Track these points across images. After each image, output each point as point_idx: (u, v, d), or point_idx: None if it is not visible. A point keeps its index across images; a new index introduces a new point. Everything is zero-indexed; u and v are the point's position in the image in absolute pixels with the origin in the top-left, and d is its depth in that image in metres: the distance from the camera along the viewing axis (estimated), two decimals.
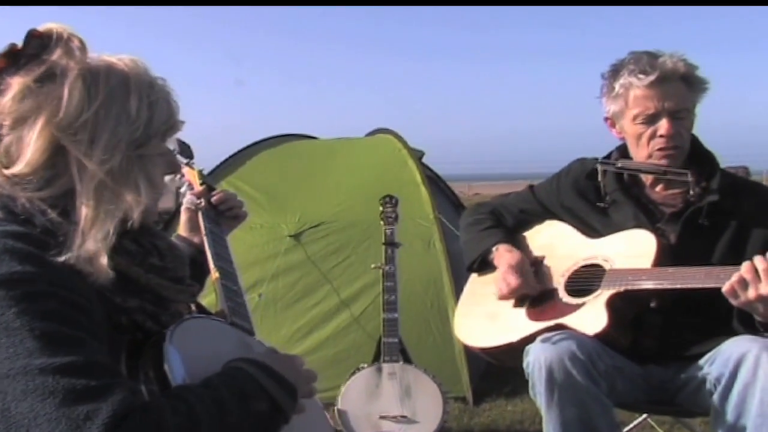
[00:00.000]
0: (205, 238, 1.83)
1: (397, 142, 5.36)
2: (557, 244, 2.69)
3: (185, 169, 2.03)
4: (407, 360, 3.42)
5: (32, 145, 1.36)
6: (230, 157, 5.47)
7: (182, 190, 2.04)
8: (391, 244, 3.53)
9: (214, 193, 2.01)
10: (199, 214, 1.91)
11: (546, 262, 2.68)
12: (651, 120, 2.47)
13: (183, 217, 2.01)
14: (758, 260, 2.09)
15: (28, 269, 1.25)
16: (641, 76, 2.43)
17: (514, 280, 2.53)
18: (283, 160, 5.48)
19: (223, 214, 1.99)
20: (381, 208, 3.62)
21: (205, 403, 1.28)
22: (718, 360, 2.23)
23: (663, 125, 2.45)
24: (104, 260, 1.33)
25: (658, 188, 2.57)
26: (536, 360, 2.28)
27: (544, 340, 2.32)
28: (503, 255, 2.63)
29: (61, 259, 1.29)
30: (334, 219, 4.70)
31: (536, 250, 2.73)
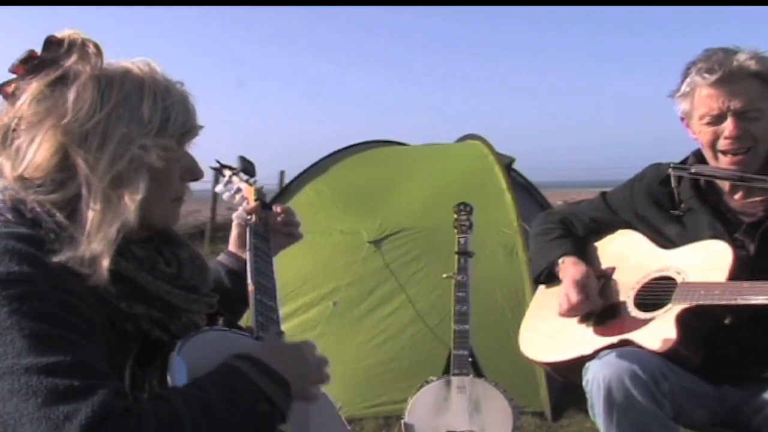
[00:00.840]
0: (248, 253, 1.81)
1: (484, 148, 5.27)
2: (629, 254, 2.55)
3: (243, 185, 2.05)
4: (478, 373, 3.31)
5: (42, 148, 1.37)
6: (316, 162, 5.49)
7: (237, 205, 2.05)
8: (464, 253, 3.42)
9: (275, 207, 2.01)
10: (247, 230, 1.89)
11: (616, 274, 2.54)
12: (717, 120, 2.30)
13: (233, 232, 2.00)
14: None
15: (25, 270, 1.27)
16: (706, 75, 2.28)
17: (574, 297, 2.42)
18: (368, 166, 5.47)
19: (277, 231, 1.98)
20: (455, 216, 3.52)
21: (190, 403, 1.26)
22: None
23: (728, 126, 2.28)
24: (106, 262, 1.33)
25: (738, 196, 2.39)
26: (595, 378, 2.16)
27: (603, 358, 2.20)
28: (568, 268, 2.52)
29: (63, 259, 1.30)
30: (414, 226, 4.64)
31: (607, 261, 2.59)
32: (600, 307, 2.45)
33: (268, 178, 4.98)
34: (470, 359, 3.26)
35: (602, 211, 2.67)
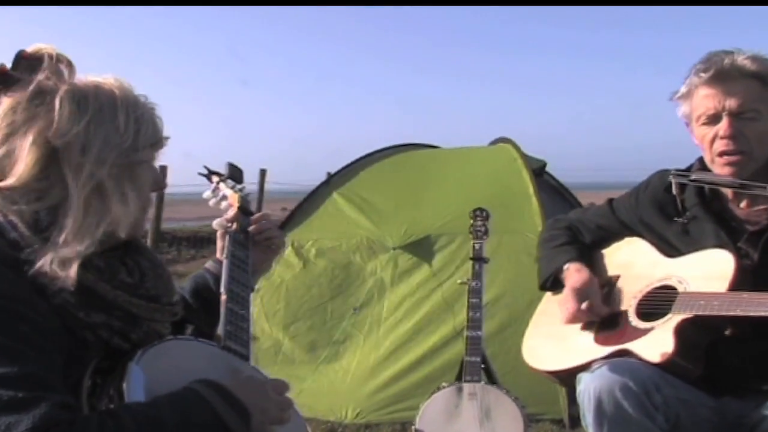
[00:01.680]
0: (224, 261, 1.82)
1: (514, 152, 5.22)
2: (634, 262, 2.51)
3: (229, 192, 2.06)
4: (491, 380, 3.28)
5: (24, 159, 1.41)
6: (345, 167, 5.49)
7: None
8: (478, 259, 3.40)
9: (253, 218, 2.00)
10: (226, 237, 1.90)
11: (620, 282, 2.51)
12: (713, 120, 2.25)
13: (219, 242, 2.00)
14: None
15: None
16: (702, 74, 2.24)
17: (573, 305, 2.40)
18: (397, 171, 5.45)
19: (257, 243, 1.98)
20: (471, 221, 3.50)
21: (139, 421, 1.27)
22: None
23: (722, 126, 2.22)
24: (74, 268, 1.36)
25: (743, 204, 2.33)
26: (586, 389, 2.14)
27: (596, 368, 2.17)
28: (572, 275, 2.49)
29: (22, 271, 1.33)
30: (440, 232, 4.62)
31: (613, 269, 2.56)
32: (603, 314, 2.42)
33: (314, 180, 5.02)
34: (482, 366, 3.24)
35: (609, 218, 2.63)
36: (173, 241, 12.21)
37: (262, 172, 13.88)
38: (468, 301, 3.32)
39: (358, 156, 5.52)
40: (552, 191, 5.77)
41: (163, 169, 2.12)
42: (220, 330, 1.64)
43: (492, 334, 3.76)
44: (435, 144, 6.34)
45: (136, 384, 1.38)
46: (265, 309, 4.64)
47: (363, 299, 4.43)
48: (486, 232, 3.47)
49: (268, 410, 1.47)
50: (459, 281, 3.43)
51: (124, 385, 1.37)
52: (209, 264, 1.98)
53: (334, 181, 5.36)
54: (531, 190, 4.77)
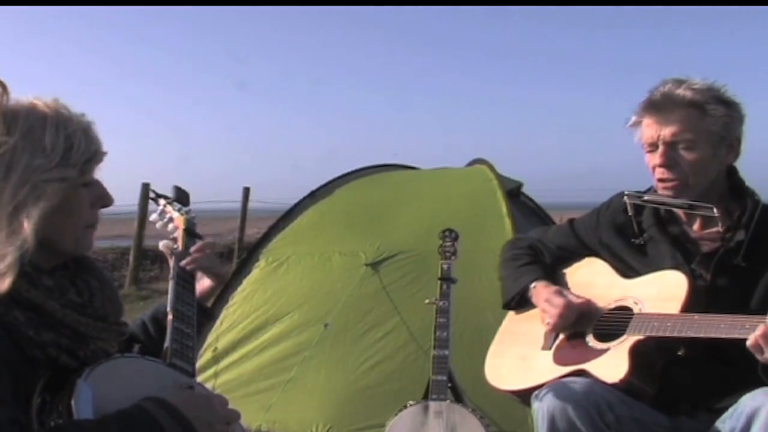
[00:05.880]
0: (170, 281, 1.85)
1: (489, 173, 5.25)
2: (593, 282, 2.55)
3: (175, 215, 2.09)
4: (457, 398, 3.31)
5: None
6: (323, 185, 5.51)
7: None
8: (446, 279, 3.43)
9: (193, 248, 1.97)
10: (173, 258, 1.93)
11: None
12: (653, 148, 2.32)
13: (171, 262, 2.02)
14: None
15: None
16: (645, 103, 2.29)
17: (558, 302, 2.42)
18: (373, 189, 5.48)
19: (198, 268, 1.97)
20: (440, 242, 3.53)
21: None
22: (734, 414, 2.05)
23: (657, 154, 2.29)
24: (7, 283, 1.39)
25: (696, 225, 2.38)
26: (540, 408, 2.18)
27: (550, 388, 2.21)
28: (540, 292, 2.52)
29: None
30: (412, 249, 4.63)
31: (573, 289, 2.59)
32: (585, 309, 2.43)
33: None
34: (449, 384, 3.27)
35: (569, 238, 2.66)
36: (155, 258, 12.17)
37: (246, 191, 13.87)
38: (435, 321, 3.35)
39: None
40: (529, 212, 5.81)
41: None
42: (166, 347, 1.67)
43: (461, 352, 3.77)
44: (413, 165, 6.36)
45: (85, 401, 1.40)
46: (237, 322, 4.66)
47: (334, 315, 4.44)
48: (455, 253, 3.50)
49: (214, 424, 1.50)
50: (426, 301, 3.45)
51: (73, 402, 1.39)
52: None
53: (309, 199, 5.38)
54: (504, 210, 4.80)
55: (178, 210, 2.07)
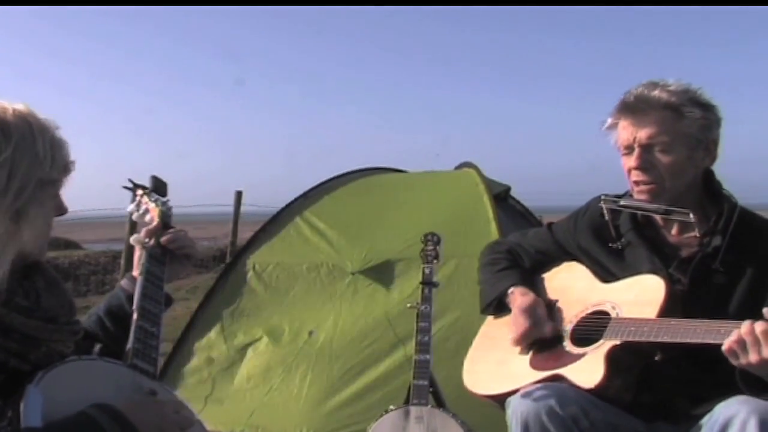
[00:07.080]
0: (138, 277, 1.82)
1: (477, 177, 5.22)
2: (571, 287, 2.54)
3: (152, 206, 2.05)
4: (439, 403, 3.28)
5: None
6: (310, 189, 5.47)
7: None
8: (428, 283, 3.40)
9: (167, 232, 1.98)
10: (142, 252, 1.90)
11: (559, 306, 2.53)
12: (629, 151, 2.29)
13: (135, 258, 1.99)
14: (758, 323, 1.91)
15: None
16: (620, 105, 2.27)
17: (523, 324, 2.42)
18: (360, 195, 5.43)
19: (173, 253, 1.96)
20: (422, 246, 3.51)
21: None
22: (709, 422, 2.03)
23: (633, 157, 2.27)
24: None
25: (674, 230, 2.36)
26: (513, 413, 2.17)
27: (525, 394, 2.20)
28: (518, 298, 2.52)
29: None
30: (399, 256, 4.60)
31: (551, 293, 2.59)
32: (549, 333, 2.43)
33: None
34: (431, 389, 3.24)
35: (548, 243, 2.65)
36: None
37: (238, 194, 13.80)
38: (416, 325, 3.32)
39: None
40: (517, 215, 5.78)
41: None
42: (128, 347, 1.65)
43: (446, 357, 3.74)
44: (402, 168, 6.33)
45: (33, 407, 1.37)
46: (224, 330, 4.63)
47: (319, 322, 4.41)
48: (437, 257, 3.47)
49: (165, 430, 1.48)
50: (408, 305, 3.42)
51: (22, 407, 1.36)
52: (124, 281, 1.96)
53: (297, 204, 5.33)
54: (491, 214, 4.77)
55: (155, 201, 2.04)
